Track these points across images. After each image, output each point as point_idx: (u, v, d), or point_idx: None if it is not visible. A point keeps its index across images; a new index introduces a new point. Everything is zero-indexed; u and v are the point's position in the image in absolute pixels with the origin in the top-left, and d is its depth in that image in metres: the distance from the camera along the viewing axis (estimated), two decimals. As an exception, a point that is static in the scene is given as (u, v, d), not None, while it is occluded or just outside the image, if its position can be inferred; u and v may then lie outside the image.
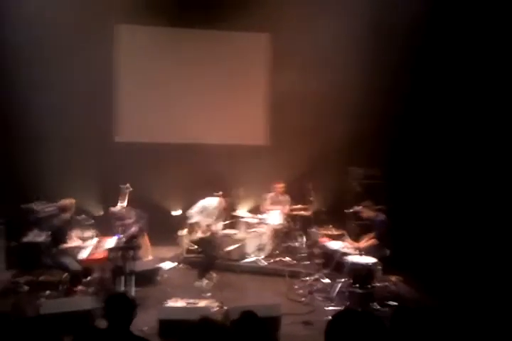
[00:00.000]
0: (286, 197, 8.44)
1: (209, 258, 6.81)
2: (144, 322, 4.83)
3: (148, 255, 7.44)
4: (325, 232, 7.50)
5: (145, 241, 7.43)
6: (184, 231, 7.59)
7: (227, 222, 7.90)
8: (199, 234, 6.93)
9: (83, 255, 5.93)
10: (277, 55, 8.98)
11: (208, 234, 6.94)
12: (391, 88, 7.96)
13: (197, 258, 7.39)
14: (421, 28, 7.41)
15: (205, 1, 8.27)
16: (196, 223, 6.96)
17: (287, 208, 8.34)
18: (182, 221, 7.79)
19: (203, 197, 7.24)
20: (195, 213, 6.99)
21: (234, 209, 8.32)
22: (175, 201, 8.94)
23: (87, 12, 7.84)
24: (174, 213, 8.87)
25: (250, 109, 9.34)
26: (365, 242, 6.63)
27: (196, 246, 7.44)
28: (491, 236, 6.40)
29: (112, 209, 7.15)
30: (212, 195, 7.23)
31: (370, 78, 8.15)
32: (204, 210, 7.02)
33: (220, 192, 7.22)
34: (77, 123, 8.15)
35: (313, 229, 8.00)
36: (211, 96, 9.06)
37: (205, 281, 6.67)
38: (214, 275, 6.75)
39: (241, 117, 9.26)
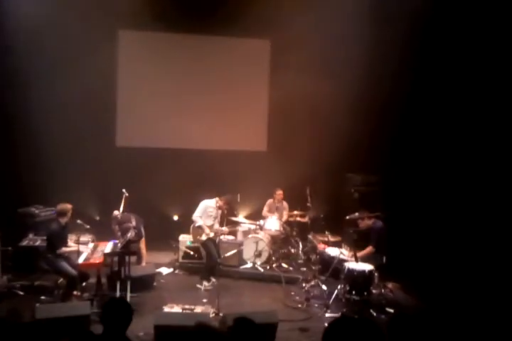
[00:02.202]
0: (284, 204, 8.45)
1: (211, 260, 6.82)
2: (140, 327, 4.83)
3: (143, 260, 7.41)
4: (321, 239, 7.49)
5: (141, 246, 7.40)
6: (183, 237, 7.58)
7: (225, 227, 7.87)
8: (203, 237, 6.92)
9: (79, 260, 5.92)
10: (277, 61, 9.02)
11: (212, 234, 6.93)
12: (389, 96, 7.99)
13: (193, 264, 7.40)
14: (418, 32, 7.44)
15: (207, 8, 8.31)
16: (200, 226, 6.95)
17: (285, 215, 8.36)
18: (180, 226, 7.78)
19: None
20: (197, 217, 6.97)
21: (233, 215, 8.30)
22: (173, 206, 8.93)
23: (91, 17, 7.87)
24: (174, 218, 8.88)
25: (251, 115, 9.38)
26: (363, 250, 6.62)
27: (192, 252, 7.45)
28: (487, 243, 6.41)
29: (114, 213, 7.16)
30: (209, 197, 7.20)
31: (369, 86, 8.19)
32: (204, 212, 7.01)
33: (217, 198, 7.17)
34: (78, 128, 8.16)
35: (310, 236, 8.00)
36: (212, 101, 9.10)
37: (205, 284, 6.69)
38: (213, 280, 6.74)
39: (241, 123, 9.28)
